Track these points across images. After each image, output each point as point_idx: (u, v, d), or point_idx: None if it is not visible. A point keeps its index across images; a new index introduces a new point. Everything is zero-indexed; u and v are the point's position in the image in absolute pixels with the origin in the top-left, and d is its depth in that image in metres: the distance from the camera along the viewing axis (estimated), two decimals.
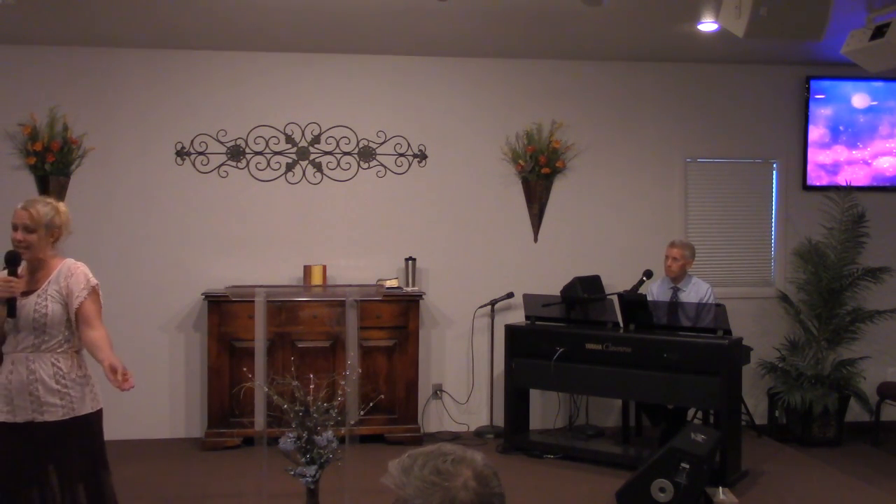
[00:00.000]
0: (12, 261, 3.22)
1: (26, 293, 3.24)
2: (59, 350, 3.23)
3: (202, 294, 5.85)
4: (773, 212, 6.66)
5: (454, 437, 6.14)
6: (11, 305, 3.18)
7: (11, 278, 3.19)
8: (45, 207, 3.29)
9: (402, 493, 1.45)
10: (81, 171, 6.01)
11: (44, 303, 3.21)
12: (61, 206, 3.36)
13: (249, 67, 6.15)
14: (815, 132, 6.55)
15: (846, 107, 6.54)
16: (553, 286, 5.92)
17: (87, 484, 3.24)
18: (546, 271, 6.33)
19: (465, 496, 1.43)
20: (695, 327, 5.39)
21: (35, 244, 3.25)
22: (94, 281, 3.32)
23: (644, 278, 5.79)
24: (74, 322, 3.26)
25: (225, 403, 5.74)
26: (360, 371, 4.64)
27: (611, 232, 6.49)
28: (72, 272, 3.29)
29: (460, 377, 6.38)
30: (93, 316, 3.26)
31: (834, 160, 6.58)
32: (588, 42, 5.93)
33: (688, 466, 4.32)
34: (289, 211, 6.22)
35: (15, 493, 3.16)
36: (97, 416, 3.34)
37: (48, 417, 3.18)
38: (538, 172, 6.32)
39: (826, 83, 6.52)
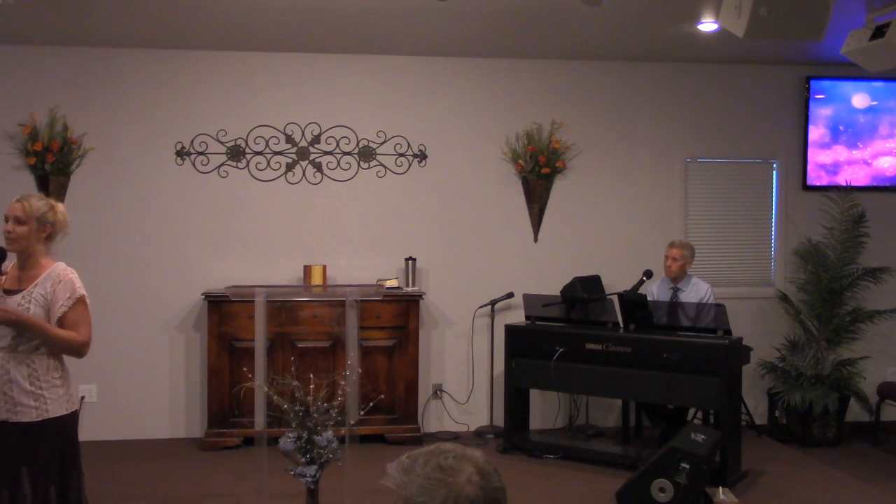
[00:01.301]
0: None
1: (13, 292, 3.20)
2: (35, 352, 3.18)
3: (202, 294, 5.85)
4: (773, 212, 6.65)
5: (454, 437, 6.14)
6: None
7: None
8: (39, 202, 3.25)
9: (405, 492, 1.45)
10: (81, 171, 6.01)
11: (27, 305, 3.16)
12: (59, 206, 3.32)
13: (249, 67, 6.15)
14: (815, 132, 6.55)
15: (846, 107, 6.54)
16: (553, 286, 5.92)
17: (58, 486, 3.19)
18: (546, 271, 6.34)
19: (471, 490, 1.43)
20: (695, 327, 5.39)
21: (24, 237, 3.20)
22: (80, 291, 3.24)
23: (644, 278, 5.78)
24: None
25: (225, 403, 5.74)
26: (360, 371, 4.63)
27: (611, 232, 6.49)
28: (60, 279, 3.22)
29: (460, 377, 6.38)
30: (74, 325, 3.20)
31: (834, 160, 6.58)
32: (588, 42, 5.93)
33: (688, 466, 4.32)
34: (289, 211, 6.22)
35: None
36: (71, 418, 3.28)
37: (21, 418, 3.13)
38: (538, 172, 6.32)
39: (826, 83, 6.52)
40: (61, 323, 3.20)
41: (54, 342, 3.19)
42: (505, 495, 1.49)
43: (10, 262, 3.29)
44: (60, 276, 3.23)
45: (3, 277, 3.22)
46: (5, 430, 3.14)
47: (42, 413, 3.16)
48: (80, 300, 3.24)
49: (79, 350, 3.24)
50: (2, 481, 3.11)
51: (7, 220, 3.23)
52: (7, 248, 3.24)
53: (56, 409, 3.20)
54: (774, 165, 6.65)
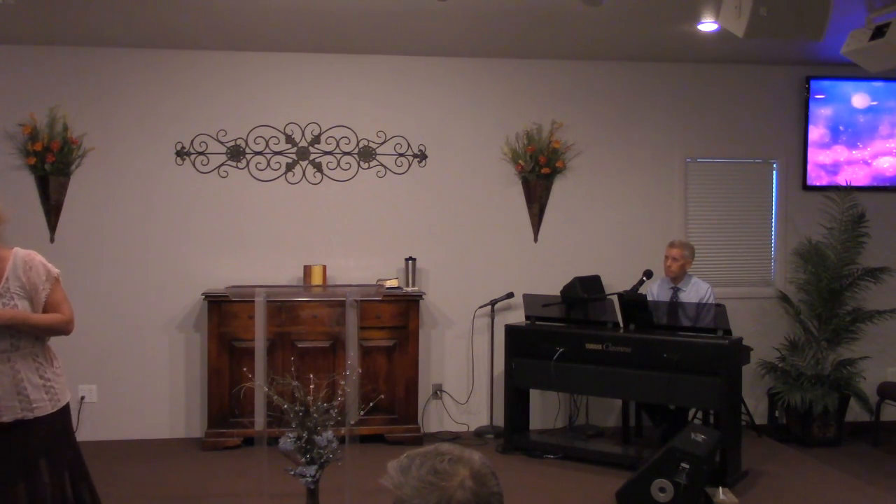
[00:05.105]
0: None
1: None
2: (37, 345, 3.20)
3: (202, 294, 5.85)
4: (773, 212, 6.65)
5: (454, 437, 6.14)
6: None
7: None
8: None
9: (400, 494, 1.45)
10: (81, 171, 6.01)
11: (11, 303, 3.12)
12: None
13: (249, 67, 6.15)
14: (815, 132, 6.55)
15: (846, 107, 6.54)
16: (553, 286, 5.92)
17: (71, 470, 3.25)
18: (546, 271, 6.34)
19: (462, 495, 1.43)
20: (695, 327, 5.39)
21: None
22: (55, 271, 3.25)
23: (644, 278, 5.78)
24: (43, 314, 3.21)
25: (225, 403, 5.74)
26: (360, 371, 4.64)
27: (611, 232, 6.49)
28: (29, 265, 3.18)
29: (460, 377, 6.38)
30: (57, 305, 3.22)
31: (834, 160, 6.58)
32: (588, 42, 5.93)
33: (688, 466, 4.32)
34: (289, 211, 6.22)
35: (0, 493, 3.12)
36: (69, 404, 3.36)
37: (38, 413, 3.15)
38: (538, 172, 6.32)
39: (826, 83, 6.52)
40: (45, 307, 3.21)
41: (40, 329, 3.19)
42: (501, 500, 1.49)
43: None
44: (27, 261, 3.20)
45: None
46: (22, 428, 3.14)
47: (56, 403, 3.22)
48: (56, 279, 3.26)
49: (65, 328, 3.26)
50: (16, 477, 3.11)
51: None
52: None
53: (63, 397, 3.28)
54: (774, 165, 6.65)
